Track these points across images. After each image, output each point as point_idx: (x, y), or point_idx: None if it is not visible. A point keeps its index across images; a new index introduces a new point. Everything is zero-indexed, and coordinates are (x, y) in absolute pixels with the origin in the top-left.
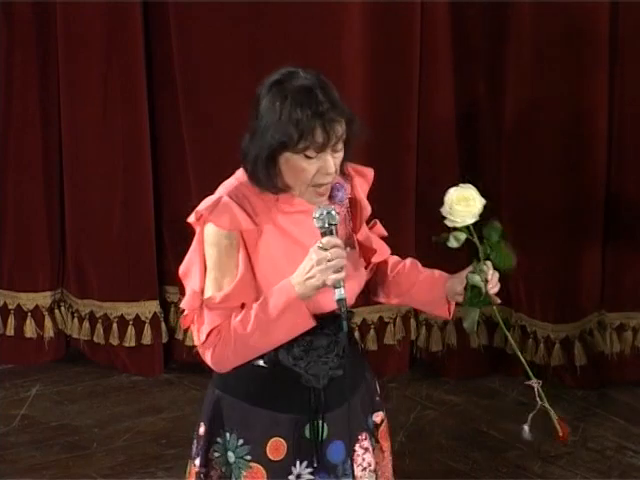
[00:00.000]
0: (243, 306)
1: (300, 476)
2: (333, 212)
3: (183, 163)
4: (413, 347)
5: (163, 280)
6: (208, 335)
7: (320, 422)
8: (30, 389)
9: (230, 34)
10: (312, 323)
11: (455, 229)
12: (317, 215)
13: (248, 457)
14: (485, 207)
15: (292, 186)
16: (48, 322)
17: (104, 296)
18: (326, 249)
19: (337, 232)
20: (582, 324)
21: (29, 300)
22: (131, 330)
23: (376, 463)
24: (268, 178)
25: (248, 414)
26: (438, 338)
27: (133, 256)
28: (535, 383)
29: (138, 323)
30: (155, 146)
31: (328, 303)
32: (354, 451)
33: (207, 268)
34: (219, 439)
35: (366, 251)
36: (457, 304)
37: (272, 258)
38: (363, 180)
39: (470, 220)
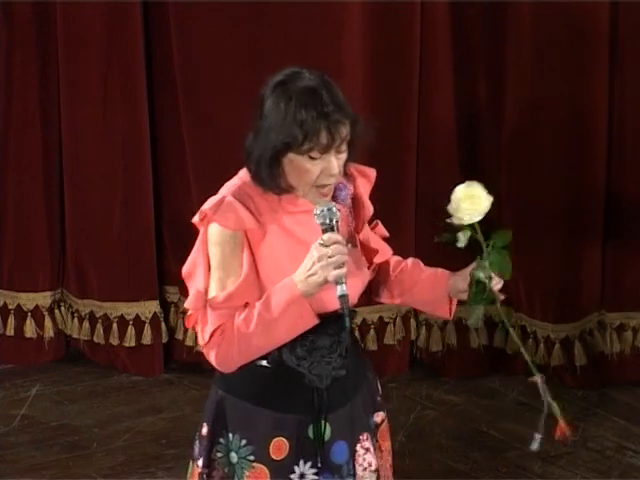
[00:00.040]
0: (246, 305)
1: (304, 476)
2: (334, 208)
3: (183, 163)
4: (413, 347)
5: (163, 280)
6: (212, 335)
7: (323, 422)
8: (30, 389)
9: (230, 34)
10: (315, 320)
11: (460, 228)
12: (318, 212)
13: (251, 457)
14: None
15: (295, 186)
16: (48, 322)
17: (104, 296)
18: (327, 245)
19: (338, 228)
20: (582, 324)
21: (29, 300)
22: (131, 330)
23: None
24: (271, 178)
25: (251, 414)
26: (438, 338)
27: (133, 256)
28: (539, 378)
29: (138, 323)
30: (155, 146)
31: (332, 301)
32: (355, 451)
33: (211, 268)
34: (222, 439)
35: (368, 251)
36: (460, 303)
37: (276, 258)
38: (365, 180)
39: (477, 218)
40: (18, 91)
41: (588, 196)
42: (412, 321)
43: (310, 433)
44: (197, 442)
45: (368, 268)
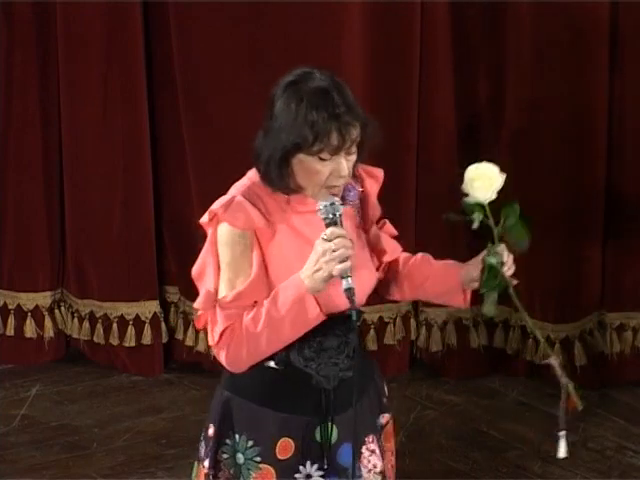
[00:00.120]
0: (255, 305)
1: (310, 477)
2: (336, 203)
3: (183, 163)
4: (413, 347)
5: (163, 280)
6: (221, 335)
7: (330, 424)
8: (30, 389)
9: (230, 34)
10: (322, 316)
11: (472, 211)
12: (320, 207)
13: (258, 458)
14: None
15: (305, 187)
16: (48, 322)
17: (104, 296)
18: (330, 240)
19: (342, 223)
20: (582, 324)
21: (29, 300)
22: (131, 330)
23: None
24: (281, 178)
25: (258, 415)
26: (438, 338)
27: (133, 256)
28: (554, 359)
29: (138, 323)
30: (155, 146)
31: (340, 301)
32: (361, 453)
33: (220, 268)
34: (228, 440)
35: (377, 251)
36: (473, 292)
37: (285, 257)
38: (373, 181)
39: (490, 195)
40: (18, 91)
41: (588, 196)
42: (412, 321)
43: (317, 435)
44: (203, 443)
45: (378, 268)
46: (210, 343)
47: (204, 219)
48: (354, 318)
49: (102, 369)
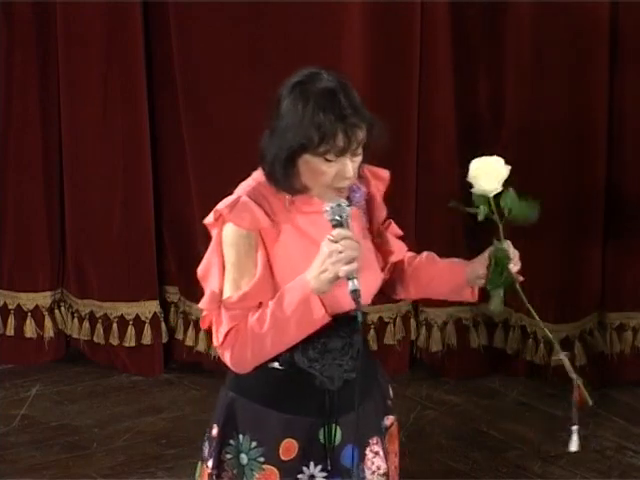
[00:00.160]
0: (260, 305)
1: (313, 477)
2: (343, 204)
3: (183, 163)
4: (413, 347)
5: (163, 280)
6: (226, 335)
7: (334, 426)
8: (30, 389)
9: (230, 34)
10: (327, 318)
11: (480, 202)
12: (327, 208)
13: (261, 459)
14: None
15: (310, 187)
16: (48, 322)
17: (104, 296)
18: (337, 241)
19: (348, 225)
20: (582, 324)
21: (29, 300)
22: (131, 330)
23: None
24: (285, 178)
25: (262, 416)
26: (438, 338)
27: (133, 256)
28: (564, 355)
29: (138, 323)
30: (155, 146)
31: (345, 301)
32: (365, 455)
33: (225, 268)
34: (232, 441)
35: (383, 252)
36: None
37: (290, 258)
38: (379, 182)
39: (495, 186)
40: (18, 91)
41: (588, 196)
42: (412, 321)
43: (321, 436)
44: (206, 443)
45: (383, 268)
46: (215, 344)
47: (209, 219)
48: (359, 320)
49: (102, 369)
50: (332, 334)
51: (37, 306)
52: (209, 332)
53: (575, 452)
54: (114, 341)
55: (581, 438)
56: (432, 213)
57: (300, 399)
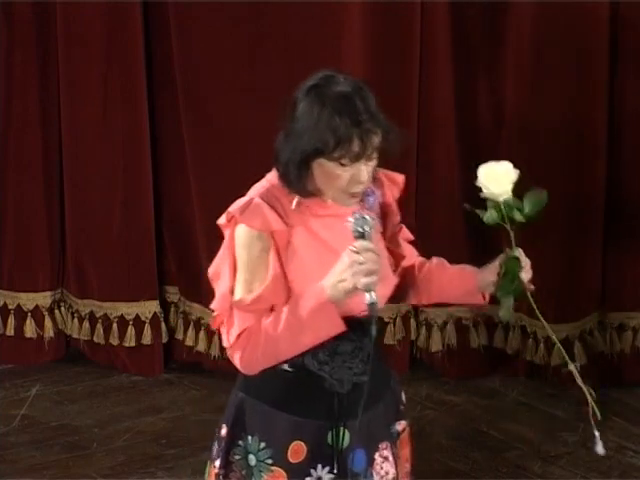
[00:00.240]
0: (273, 308)
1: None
2: (368, 217)
3: (183, 163)
4: (413, 347)
5: (163, 280)
6: (238, 337)
7: (342, 429)
8: (30, 389)
9: (230, 34)
10: (342, 327)
11: (490, 206)
12: (352, 219)
13: (269, 461)
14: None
15: (324, 191)
16: (48, 322)
17: (104, 296)
18: (359, 252)
19: (371, 237)
20: (582, 324)
21: (29, 300)
22: (131, 330)
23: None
24: (299, 180)
25: (271, 417)
26: (438, 338)
27: (133, 256)
28: (573, 367)
29: (138, 323)
30: (155, 146)
31: (357, 306)
32: (373, 459)
33: (237, 269)
34: (240, 442)
35: (395, 256)
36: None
37: (302, 260)
38: (394, 186)
39: (505, 189)
40: (18, 91)
41: (588, 196)
42: (412, 321)
43: (329, 439)
44: (215, 442)
45: (394, 272)
46: (225, 344)
47: (221, 220)
48: (373, 334)
49: (102, 369)
50: (342, 337)
51: (37, 306)
52: (219, 332)
53: (603, 454)
54: (114, 341)
55: (574, 441)
56: (432, 213)
57: (309, 402)
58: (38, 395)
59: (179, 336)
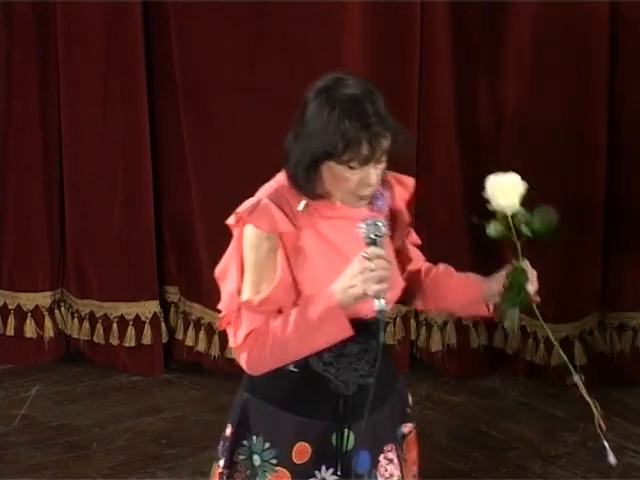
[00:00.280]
0: (280, 310)
1: None
2: (379, 224)
3: (183, 163)
4: (413, 347)
5: (163, 280)
6: (245, 338)
7: (347, 430)
8: (30, 389)
9: (230, 34)
10: (351, 332)
11: (495, 218)
12: (363, 225)
13: (274, 461)
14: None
15: (332, 194)
16: (48, 322)
17: (104, 296)
18: (370, 259)
19: (382, 244)
20: (582, 324)
21: (29, 300)
22: (131, 330)
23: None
24: (307, 183)
25: (275, 418)
26: (438, 338)
27: (133, 256)
28: (578, 378)
29: (138, 323)
30: (155, 146)
31: (365, 309)
32: (378, 461)
33: (244, 270)
34: (245, 442)
35: (403, 260)
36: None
37: (311, 263)
38: (403, 189)
39: (513, 202)
40: (18, 91)
41: (588, 196)
42: (412, 321)
43: (334, 440)
44: (221, 442)
45: (401, 275)
46: (231, 345)
47: (230, 220)
48: (381, 340)
49: (102, 369)
50: (348, 339)
51: (37, 306)
52: (225, 333)
53: (615, 465)
54: (114, 341)
55: (572, 443)
56: (432, 213)
57: (314, 402)
58: (38, 395)
59: (179, 336)
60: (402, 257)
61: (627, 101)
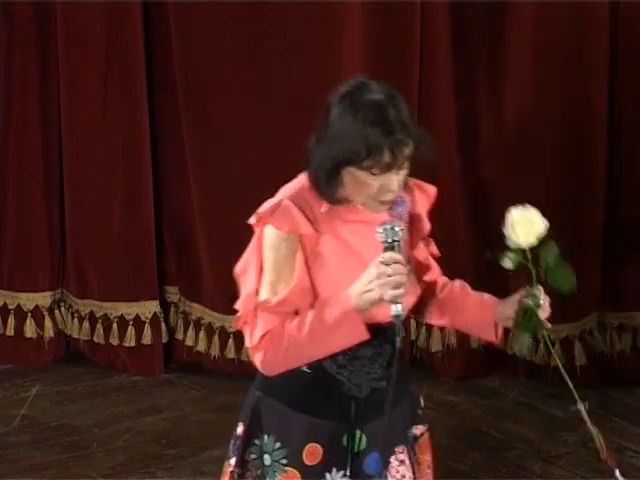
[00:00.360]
0: (297, 311)
1: None
2: (397, 228)
3: (183, 163)
4: (413, 347)
5: (163, 280)
6: (261, 338)
7: (359, 433)
8: (30, 389)
9: (230, 34)
10: (366, 335)
11: (510, 250)
12: (381, 229)
13: (284, 461)
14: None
15: (353, 199)
16: (48, 322)
17: (104, 296)
18: (387, 264)
19: (400, 249)
20: (582, 324)
21: (29, 300)
22: (131, 330)
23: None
24: (328, 188)
25: (287, 418)
26: (438, 338)
27: (133, 256)
28: (582, 406)
29: (138, 323)
30: (155, 146)
31: (380, 314)
32: (389, 463)
33: (263, 270)
34: (257, 441)
35: (420, 268)
36: (505, 329)
37: (329, 266)
38: (424, 196)
39: (532, 240)
40: (18, 91)
41: (588, 196)
42: (412, 321)
43: (345, 442)
44: (232, 440)
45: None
46: (247, 344)
47: (252, 220)
48: (397, 345)
49: (102, 369)
50: (363, 342)
51: (37, 306)
52: (241, 332)
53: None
54: (114, 341)
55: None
56: (432, 213)
57: (327, 404)
58: (38, 395)
59: (179, 336)
60: (420, 265)
61: (627, 101)
